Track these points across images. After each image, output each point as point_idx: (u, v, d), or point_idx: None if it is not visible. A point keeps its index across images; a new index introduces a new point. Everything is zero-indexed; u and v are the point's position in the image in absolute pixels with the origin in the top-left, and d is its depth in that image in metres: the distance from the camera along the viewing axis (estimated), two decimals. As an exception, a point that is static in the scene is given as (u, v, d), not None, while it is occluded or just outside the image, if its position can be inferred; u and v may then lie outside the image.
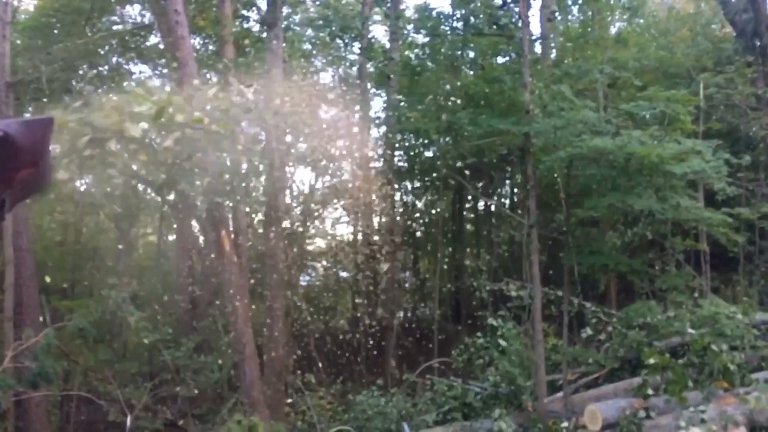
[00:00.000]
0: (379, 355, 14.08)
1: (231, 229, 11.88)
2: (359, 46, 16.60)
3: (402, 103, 16.24)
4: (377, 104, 19.89)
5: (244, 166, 12.69)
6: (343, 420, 10.80)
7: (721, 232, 11.81)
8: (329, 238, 16.56)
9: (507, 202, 20.67)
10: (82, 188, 18.56)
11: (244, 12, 16.08)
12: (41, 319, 12.07)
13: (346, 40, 17.14)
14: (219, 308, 12.07)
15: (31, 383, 8.66)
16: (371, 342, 13.79)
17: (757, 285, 15.25)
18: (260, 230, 15.95)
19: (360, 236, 16.39)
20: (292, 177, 19.03)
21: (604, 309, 13.62)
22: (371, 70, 17.67)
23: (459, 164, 17.23)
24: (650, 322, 11.75)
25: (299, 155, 14.53)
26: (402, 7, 16.99)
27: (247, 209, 16.27)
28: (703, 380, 9.71)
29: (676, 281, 12.88)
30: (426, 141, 17.58)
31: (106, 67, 16.64)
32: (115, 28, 16.29)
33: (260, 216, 16.90)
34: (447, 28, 13.98)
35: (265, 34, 13.39)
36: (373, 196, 16.00)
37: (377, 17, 17.59)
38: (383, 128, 17.88)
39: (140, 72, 17.43)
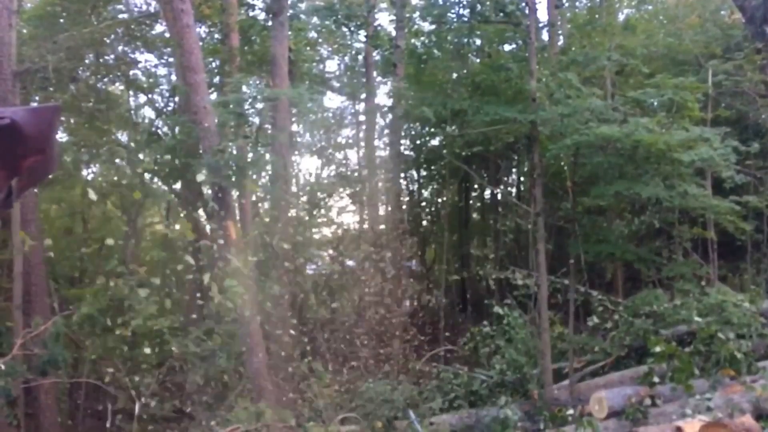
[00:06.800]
0: (385, 343, 14.13)
1: (237, 218, 11.90)
2: (365, 34, 16.53)
3: (411, 93, 16.17)
4: (383, 92, 19.89)
5: (251, 155, 12.73)
6: (349, 407, 10.86)
7: (728, 220, 11.78)
8: (335, 226, 16.58)
9: (513, 190, 20.63)
10: (90, 177, 18.71)
11: (250, 0, 16.03)
12: (50, 307, 12.16)
13: (352, 28, 17.06)
14: (226, 297, 12.09)
15: (41, 370, 8.74)
16: (377, 330, 13.83)
17: (765, 273, 15.21)
18: (267, 219, 15.99)
19: (366, 225, 16.40)
20: (298, 166, 19.08)
21: (610, 297, 13.61)
22: (377, 58, 17.60)
23: (465, 153, 17.19)
24: (657, 310, 11.74)
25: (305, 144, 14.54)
26: (408, -6, 16.88)
27: (254, 198, 16.31)
28: (709, 368, 9.71)
29: (683, 269, 12.87)
30: (432, 129, 17.54)
31: (112, 56, 16.65)
32: (120, 16, 16.27)
33: (266, 205, 16.95)
34: (453, 16, 13.90)
35: (270, 23, 13.34)
36: (379, 185, 16.00)
37: (383, 5, 17.52)
38: (389, 117, 17.85)
39: (146, 61, 17.46)
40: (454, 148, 16.35)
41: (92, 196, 11.70)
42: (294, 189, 16.24)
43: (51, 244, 11.58)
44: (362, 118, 19.82)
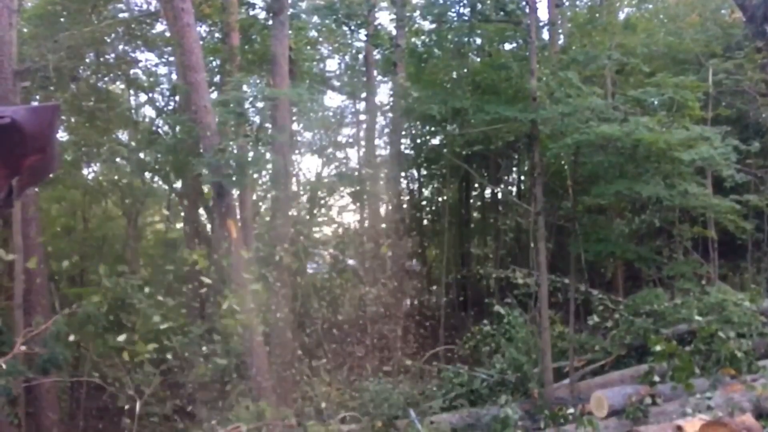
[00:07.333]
0: (385, 343, 14.14)
1: (238, 216, 11.90)
2: (365, 33, 16.52)
3: (413, 93, 16.18)
4: (384, 91, 19.89)
5: (251, 154, 12.72)
6: (350, 406, 10.86)
7: (729, 219, 11.78)
8: (336, 225, 16.59)
9: (514, 189, 20.63)
10: (90, 176, 18.72)
11: (250, -1, 16.02)
12: (51, 305, 12.16)
13: (352, 27, 17.06)
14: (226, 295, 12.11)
15: (42, 369, 8.75)
16: (378, 329, 13.85)
17: (765, 272, 15.21)
18: (267, 218, 16.00)
19: (367, 224, 16.40)
20: (299, 165, 19.08)
21: (610, 296, 13.62)
22: (377, 57, 17.59)
23: (466, 152, 17.18)
24: (657, 309, 11.75)
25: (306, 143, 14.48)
26: (408, -7, 16.85)
27: (254, 197, 16.30)
28: (709, 367, 9.72)
29: (684, 268, 12.86)
30: (433, 128, 17.55)
31: (113, 55, 16.65)
32: (120, 15, 16.27)
33: (267, 204, 16.95)
34: (453, 15, 13.89)
35: (270, 22, 13.34)
36: (380, 184, 15.99)
37: (383, 4, 17.50)
38: (389, 116, 17.84)
39: (146, 60, 17.46)
40: (454, 147, 16.35)
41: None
42: (295, 188, 16.24)
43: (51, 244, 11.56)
44: (363, 117, 19.81)
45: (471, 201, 21.62)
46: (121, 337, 9.68)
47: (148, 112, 19.10)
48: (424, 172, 21.15)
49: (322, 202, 18.02)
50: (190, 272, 12.15)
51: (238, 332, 9.83)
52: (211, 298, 10.64)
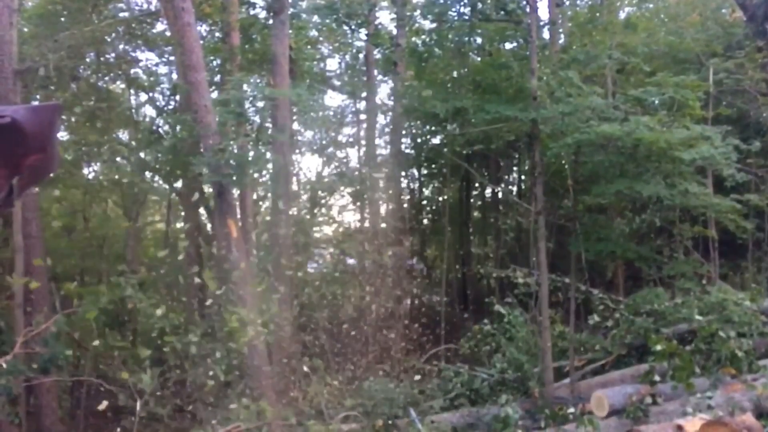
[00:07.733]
0: (386, 342, 14.13)
1: (238, 216, 11.89)
2: (365, 32, 16.52)
3: (411, 90, 16.17)
4: (384, 91, 19.88)
5: (251, 153, 12.71)
6: (350, 406, 10.86)
7: (729, 218, 11.77)
8: (336, 225, 16.59)
9: (514, 189, 20.63)
10: (90, 176, 18.72)
11: (250, -2, 16.01)
12: (51, 305, 12.15)
13: (353, 27, 17.06)
14: (227, 295, 12.10)
15: (42, 369, 8.75)
16: (378, 329, 13.84)
17: (766, 271, 15.21)
18: (267, 218, 15.99)
19: (367, 224, 16.41)
20: (299, 164, 19.09)
21: (611, 296, 13.62)
22: (378, 56, 17.59)
23: (466, 151, 17.17)
24: (657, 308, 11.75)
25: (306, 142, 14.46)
26: (408, -8, 16.84)
27: (254, 197, 16.29)
28: (710, 367, 9.72)
29: (684, 268, 12.86)
30: (433, 128, 17.54)
31: (113, 55, 16.65)
32: (121, 15, 16.27)
33: (267, 203, 16.94)
34: (454, 14, 13.89)
35: (271, 21, 13.33)
36: (380, 184, 15.99)
37: (383, 3, 17.50)
38: (390, 115, 17.84)
39: (146, 59, 17.46)
40: (455, 146, 16.34)
41: None
42: (295, 188, 16.24)
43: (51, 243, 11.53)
44: (363, 116, 19.81)
45: (471, 200, 21.62)
46: (121, 343, 9.70)
47: (149, 111, 19.11)
48: (424, 171, 21.16)
49: (322, 201, 18.02)
50: (192, 283, 12.17)
51: (240, 336, 9.82)
52: (215, 306, 10.62)
